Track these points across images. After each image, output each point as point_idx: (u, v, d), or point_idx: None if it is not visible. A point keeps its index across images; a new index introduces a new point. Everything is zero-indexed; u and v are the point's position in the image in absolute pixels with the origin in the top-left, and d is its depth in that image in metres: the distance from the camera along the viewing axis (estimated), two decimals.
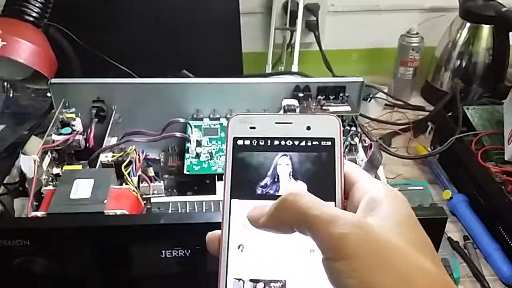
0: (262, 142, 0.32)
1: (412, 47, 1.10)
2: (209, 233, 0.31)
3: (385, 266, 0.25)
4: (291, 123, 0.32)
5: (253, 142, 0.32)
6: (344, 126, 0.74)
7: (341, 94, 0.76)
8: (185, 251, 0.51)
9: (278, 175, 0.31)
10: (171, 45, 1.04)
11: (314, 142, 0.31)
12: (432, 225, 0.50)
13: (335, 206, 0.30)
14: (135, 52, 0.97)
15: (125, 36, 0.95)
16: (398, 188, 0.63)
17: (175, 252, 0.51)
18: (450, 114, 0.94)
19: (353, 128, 0.73)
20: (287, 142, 0.32)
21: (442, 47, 1.13)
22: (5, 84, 1.05)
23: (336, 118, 0.32)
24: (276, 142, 0.32)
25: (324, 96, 0.75)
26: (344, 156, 0.32)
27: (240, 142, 0.32)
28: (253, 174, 0.31)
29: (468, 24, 1.08)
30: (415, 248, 0.26)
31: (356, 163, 0.67)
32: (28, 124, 1.00)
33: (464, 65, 1.10)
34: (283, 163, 0.31)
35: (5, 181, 0.85)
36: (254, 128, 0.32)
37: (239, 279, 0.29)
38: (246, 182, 0.31)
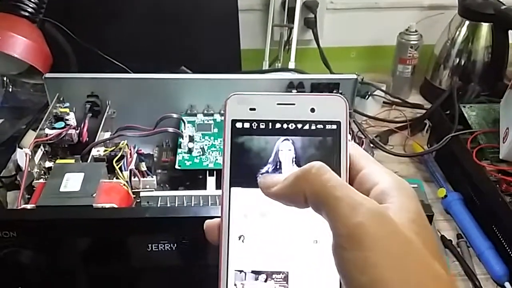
0: (262, 125, 0.29)
1: (411, 44, 1.09)
2: (207, 221, 0.30)
3: (400, 267, 0.23)
4: (293, 104, 0.30)
5: (253, 125, 0.29)
6: None
7: (335, 91, 0.75)
8: (171, 244, 0.51)
9: (280, 162, 0.29)
10: (169, 41, 1.04)
11: (319, 126, 0.29)
12: None
13: None
14: (132, 48, 0.98)
15: (122, 32, 0.95)
16: None
17: (161, 245, 0.51)
18: (447, 112, 0.94)
19: None
20: (289, 126, 0.29)
21: (441, 45, 1.13)
22: (4, 79, 1.06)
23: (342, 98, 0.30)
24: (278, 126, 0.29)
25: (318, 93, 0.75)
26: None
27: (239, 125, 0.29)
28: (254, 160, 0.29)
29: (467, 22, 1.07)
30: (428, 249, 0.25)
31: None
32: (26, 118, 1.00)
33: (463, 63, 1.10)
34: (285, 149, 0.29)
35: (1, 175, 0.85)
36: (254, 109, 0.30)
37: (241, 271, 0.28)
38: (246, 169, 0.29)
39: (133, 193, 0.62)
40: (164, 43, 1.03)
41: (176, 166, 0.68)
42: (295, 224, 0.28)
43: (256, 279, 0.28)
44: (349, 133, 0.70)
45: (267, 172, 0.29)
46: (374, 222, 0.24)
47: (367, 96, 1.06)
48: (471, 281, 0.72)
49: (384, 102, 1.11)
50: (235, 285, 0.28)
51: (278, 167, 0.29)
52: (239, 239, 0.29)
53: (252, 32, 1.17)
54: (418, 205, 0.27)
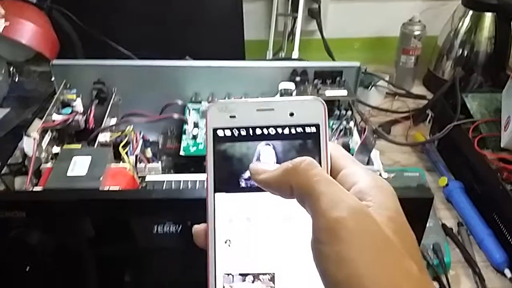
0: (243, 131, 0.30)
1: (414, 35, 1.10)
2: (195, 226, 0.31)
3: (375, 263, 0.24)
4: (272, 109, 0.30)
5: (234, 132, 0.30)
6: (340, 110, 0.75)
7: (338, 79, 0.76)
8: (177, 226, 0.52)
9: None
10: (174, 32, 1.04)
11: (298, 129, 0.30)
12: (419, 205, 0.51)
13: None
14: (136, 38, 0.98)
15: (127, 21, 0.96)
16: (394, 174, 0.64)
17: (166, 227, 0.52)
18: (450, 102, 0.94)
19: (349, 112, 0.73)
20: (269, 130, 0.30)
21: (444, 36, 1.13)
22: (10, 69, 1.07)
23: (320, 101, 0.30)
24: (258, 131, 0.30)
25: (321, 81, 0.76)
26: (330, 140, 0.31)
27: (220, 132, 0.30)
28: (236, 166, 0.30)
29: (470, 13, 1.08)
30: (405, 248, 0.25)
31: (350, 146, 0.68)
32: (33, 107, 1.01)
33: (466, 54, 1.10)
34: (266, 153, 0.30)
35: (8, 162, 0.87)
36: (234, 117, 0.30)
37: (228, 274, 0.29)
38: (229, 175, 0.30)
39: (139, 177, 0.63)
40: (168, 33, 1.04)
41: (181, 152, 0.69)
42: (279, 227, 0.29)
43: (244, 280, 0.29)
44: (353, 121, 0.70)
45: (249, 177, 0.30)
46: (352, 218, 0.24)
47: (370, 87, 1.07)
48: (471, 268, 0.73)
49: (387, 93, 1.12)
50: (223, 287, 0.29)
51: None
52: (226, 243, 0.29)
53: (256, 23, 1.18)
54: (397, 204, 0.28)
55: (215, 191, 0.30)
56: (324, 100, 0.76)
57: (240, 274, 0.29)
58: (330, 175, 0.29)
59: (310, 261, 0.26)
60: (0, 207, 0.48)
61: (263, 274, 0.29)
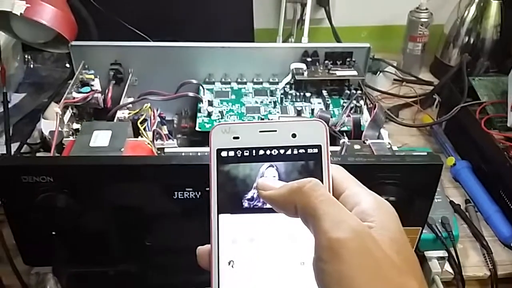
0: (246, 152, 0.31)
1: (421, 22, 1.12)
2: (199, 247, 0.31)
3: (375, 282, 0.24)
4: (275, 131, 0.31)
5: (237, 153, 0.31)
6: (350, 90, 0.77)
7: (348, 59, 0.78)
8: (196, 192, 0.54)
9: None
10: (183, 21, 1.06)
11: (300, 150, 0.31)
12: (428, 171, 0.53)
13: None
14: (148, 23, 1.00)
15: (140, 5, 0.99)
16: (403, 153, 0.66)
17: (186, 193, 0.54)
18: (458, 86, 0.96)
19: (359, 92, 0.76)
20: (272, 152, 0.31)
21: (450, 24, 1.15)
22: (26, 55, 1.10)
23: (322, 123, 0.31)
24: (261, 152, 0.31)
25: (331, 61, 0.78)
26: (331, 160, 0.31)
27: (224, 153, 0.31)
28: (239, 187, 0.31)
29: (476, 1, 1.10)
30: (407, 267, 0.26)
31: (360, 123, 0.70)
32: (47, 93, 1.04)
33: (472, 41, 1.12)
34: (269, 175, 0.31)
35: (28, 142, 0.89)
36: (237, 138, 0.31)
37: None
38: (232, 196, 0.30)
39: (159, 149, 0.65)
40: (177, 22, 1.06)
41: (197, 128, 0.72)
42: (282, 247, 0.30)
43: None
44: (363, 99, 0.72)
45: (252, 197, 0.30)
46: (354, 238, 0.25)
47: (378, 73, 1.09)
48: (479, 242, 0.75)
49: (394, 80, 1.13)
50: None
51: None
52: (229, 264, 0.30)
53: (265, 11, 1.19)
54: (399, 224, 0.28)
55: (218, 212, 0.30)
56: (335, 80, 0.79)
57: None
58: (333, 195, 0.29)
59: (313, 282, 0.26)
60: (29, 172, 0.50)
61: None
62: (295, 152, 0.31)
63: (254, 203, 0.30)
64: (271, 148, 0.31)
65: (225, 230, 0.30)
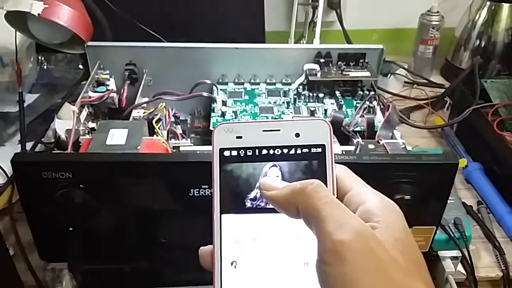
0: (249, 152, 0.30)
1: (433, 25, 1.12)
2: (201, 248, 0.31)
3: (381, 283, 0.24)
4: (279, 130, 0.31)
5: (240, 152, 0.30)
6: (363, 91, 0.78)
7: (361, 61, 0.79)
8: (212, 190, 0.54)
9: None
10: (194, 23, 1.07)
11: (304, 150, 0.30)
12: (444, 170, 0.53)
13: None
14: (161, 24, 1.01)
15: (153, 7, 1.00)
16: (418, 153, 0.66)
17: (202, 191, 0.55)
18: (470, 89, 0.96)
19: (372, 93, 0.76)
20: (275, 151, 0.30)
21: (461, 27, 1.15)
22: (39, 57, 1.11)
23: (325, 122, 0.30)
24: (265, 152, 0.30)
25: (344, 62, 0.79)
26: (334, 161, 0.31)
27: (227, 153, 0.30)
28: (242, 186, 0.30)
29: (488, 3, 1.10)
30: (413, 268, 0.26)
31: (374, 124, 0.70)
32: (61, 93, 1.05)
33: (483, 44, 1.12)
34: (272, 174, 0.30)
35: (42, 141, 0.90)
36: (240, 137, 0.30)
37: None
38: (235, 196, 0.30)
39: (174, 148, 0.66)
40: (188, 24, 1.07)
41: (211, 128, 0.72)
42: (285, 248, 0.29)
43: None
44: (376, 100, 0.72)
45: (255, 197, 0.30)
46: (357, 240, 0.25)
47: (389, 75, 1.09)
48: (491, 243, 0.74)
49: (405, 82, 1.14)
50: None
51: None
52: (232, 264, 0.29)
53: (276, 14, 1.20)
54: (404, 224, 0.28)
55: (221, 212, 0.30)
56: (348, 80, 0.79)
57: None
58: (337, 196, 0.29)
59: (317, 283, 0.26)
60: (48, 168, 0.51)
61: None
62: (299, 151, 0.30)
63: (257, 203, 0.30)
64: (274, 148, 0.30)
65: (227, 230, 0.30)
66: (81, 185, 0.52)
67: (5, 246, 0.66)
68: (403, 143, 0.64)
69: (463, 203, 0.80)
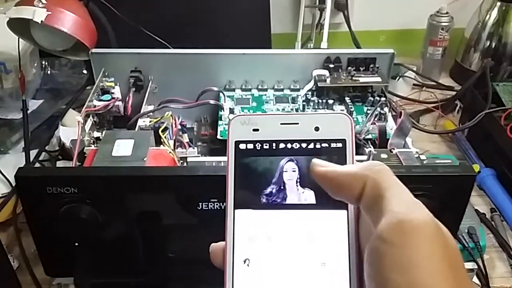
0: (266, 145, 0.29)
1: (442, 26, 1.10)
2: (213, 244, 0.29)
3: (446, 278, 0.22)
4: (297, 123, 0.29)
5: (256, 146, 0.29)
6: (374, 97, 0.76)
7: (371, 66, 0.77)
8: (221, 203, 0.53)
9: (284, 182, 0.29)
10: (201, 27, 1.05)
11: (324, 144, 0.29)
12: (461, 182, 0.51)
13: (347, 214, 0.28)
14: (165, 30, 1.00)
15: (158, 14, 0.98)
16: (434, 163, 0.64)
17: (211, 204, 0.53)
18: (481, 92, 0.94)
19: (383, 98, 0.74)
20: (293, 145, 0.29)
21: (471, 28, 1.13)
22: (43, 62, 1.10)
23: (347, 116, 0.29)
24: (282, 146, 0.29)
25: (354, 68, 0.77)
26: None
27: (242, 146, 0.29)
28: (258, 181, 0.29)
29: (498, 4, 1.08)
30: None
31: (386, 131, 0.69)
32: (65, 99, 1.04)
33: (494, 45, 1.10)
34: (289, 169, 0.29)
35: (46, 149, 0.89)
36: (257, 130, 0.29)
37: None
38: (250, 191, 0.29)
39: (181, 158, 0.64)
40: (194, 27, 1.05)
41: (218, 136, 0.71)
42: (301, 247, 0.28)
43: None
44: (387, 106, 0.70)
45: (271, 193, 0.29)
46: (429, 223, 0.23)
47: (397, 78, 1.07)
48: (506, 252, 0.73)
49: (414, 85, 1.12)
50: None
51: (282, 188, 0.29)
52: (244, 262, 0.28)
53: (282, 16, 1.19)
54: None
55: (235, 207, 0.28)
56: (357, 86, 0.77)
57: None
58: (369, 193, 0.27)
59: (332, 284, 0.25)
60: (53, 183, 0.50)
61: None
62: (318, 146, 0.29)
63: (273, 199, 0.29)
64: (292, 142, 0.29)
65: (241, 227, 0.28)
66: (87, 200, 0.51)
67: (8, 260, 0.65)
68: (417, 152, 0.62)
69: (476, 211, 0.78)
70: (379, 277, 0.23)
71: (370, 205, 0.25)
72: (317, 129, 0.29)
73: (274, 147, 0.29)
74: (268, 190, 0.29)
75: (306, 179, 0.28)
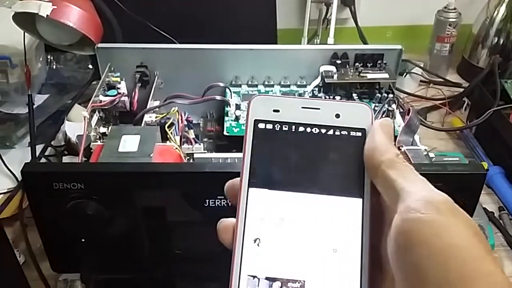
0: (285, 127, 0.29)
1: (450, 22, 1.09)
2: (222, 219, 0.29)
3: (473, 243, 0.22)
4: (318, 108, 0.29)
5: (275, 126, 0.29)
6: (381, 93, 0.75)
7: (379, 62, 0.76)
8: (228, 200, 0.53)
9: (301, 166, 0.28)
10: (206, 22, 1.05)
11: (343, 132, 0.29)
12: (471, 180, 0.51)
13: (363, 203, 0.27)
14: (171, 25, 0.99)
15: (164, 8, 0.98)
16: (434, 158, 0.64)
17: (218, 201, 0.53)
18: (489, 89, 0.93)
19: (391, 95, 0.73)
20: (313, 130, 0.29)
21: (479, 24, 1.12)
22: (48, 56, 1.10)
23: (368, 107, 0.29)
24: (301, 129, 0.29)
25: (362, 64, 0.76)
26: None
27: (261, 125, 0.29)
28: (274, 162, 0.28)
29: (506, 0, 1.07)
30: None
31: (394, 128, 0.68)
32: (70, 94, 1.04)
33: (502, 42, 1.09)
34: (307, 153, 0.29)
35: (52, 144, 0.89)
36: (278, 111, 0.29)
37: (254, 276, 0.27)
38: (266, 171, 0.28)
39: (187, 154, 0.64)
40: (199, 22, 1.05)
41: (225, 133, 0.70)
42: (314, 231, 0.27)
43: (270, 286, 0.26)
44: (395, 103, 0.70)
45: (287, 174, 0.28)
46: (450, 201, 0.24)
47: (404, 74, 1.06)
48: None
49: (421, 81, 1.11)
50: None
51: (299, 170, 0.29)
52: (254, 242, 0.27)
53: (288, 11, 1.18)
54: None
55: (249, 185, 0.28)
56: (365, 83, 0.77)
57: (267, 278, 0.27)
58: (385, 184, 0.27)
59: (344, 271, 0.25)
60: (60, 178, 0.50)
61: (293, 281, 0.27)
62: (337, 133, 0.29)
63: (289, 181, 0.28)
64: (312, 126, 0.29)
65: (254, 206, 0.28)
66: (94, 196, 0.51)
67: (14, 255, 0.65)
68: (425, 149, 0.62)
69: (484, 209, 0.78)
70: (410, 246, 0.23)
71: (385, 179, 0.26)
72: (337, 116, 0.29)
73: (293, 130, 0.29)
74: (284, 171, 0.28)
75: (323, 164, 0.28)
